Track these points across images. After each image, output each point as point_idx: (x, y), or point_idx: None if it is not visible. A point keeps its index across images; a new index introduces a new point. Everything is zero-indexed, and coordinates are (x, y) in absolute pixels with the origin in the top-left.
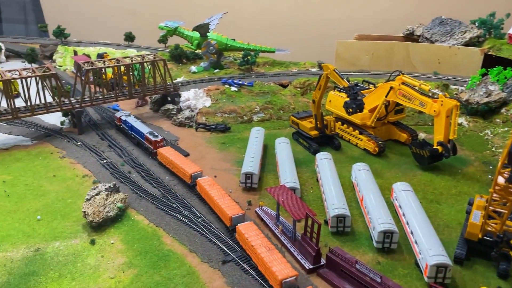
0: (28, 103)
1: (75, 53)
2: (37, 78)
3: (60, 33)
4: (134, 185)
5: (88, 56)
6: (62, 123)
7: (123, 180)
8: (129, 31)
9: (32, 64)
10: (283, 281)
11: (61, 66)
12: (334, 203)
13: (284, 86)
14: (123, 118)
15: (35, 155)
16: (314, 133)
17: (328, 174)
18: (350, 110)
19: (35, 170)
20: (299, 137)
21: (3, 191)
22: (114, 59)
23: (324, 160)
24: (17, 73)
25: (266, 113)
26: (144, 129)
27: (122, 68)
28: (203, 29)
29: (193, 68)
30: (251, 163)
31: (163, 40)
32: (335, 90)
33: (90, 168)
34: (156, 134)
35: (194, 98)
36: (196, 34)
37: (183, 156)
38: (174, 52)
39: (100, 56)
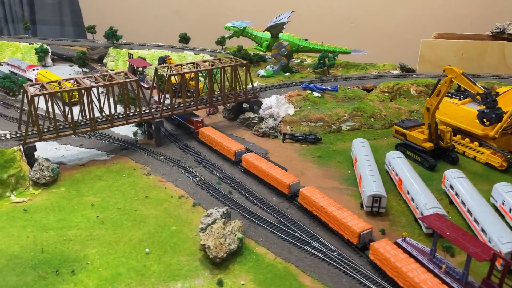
0: (89, 114)
1: (130, 56)
2: (116, 85)
3: (112, 35)
4: (242, 209)
5: (144, 59)
6: (135, 134)
7: (226, 202)
8: (184, 32)
9: (83, 68)
10: (361, 233)
11: (113, 70)
12: (502, 236)
13: (368, 90)
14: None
15: (117, 172)
16: (429, 145)
17: (474, 198)
18: (486, 121)
19: (123, 191)
20: (407, 150)
21: (95, 217)
22: (180, 64)
23: (460, 180)
24: (93, 79)
25: (355, 121)
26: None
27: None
28: (276, 29)
29: (261, 71)
30: (375, 182)
31: (222, 41)
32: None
33: (183, 188)
34: (197, 115)
35: (277, 106)
36: (266, 35)
37: (223, 134)
38: (237, 54)
39: (163, 59)
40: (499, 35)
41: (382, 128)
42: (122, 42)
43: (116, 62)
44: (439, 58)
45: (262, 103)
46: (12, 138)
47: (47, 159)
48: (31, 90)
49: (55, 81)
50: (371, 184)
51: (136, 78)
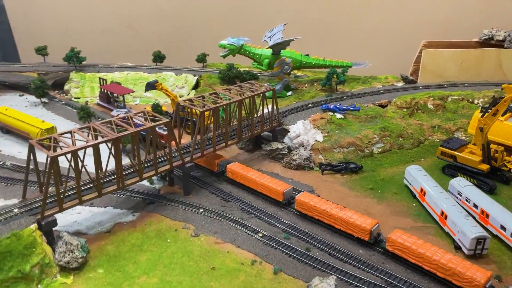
0: (117, 168)
1: (103, 81)
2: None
3: (75, 57)
4: (334, 269)
5: (119, 83)
6: (151, 181)
7: (310, 262)
8: (157, 50)
9: (41, 98)
10: (371, 230)
11: (79, 99)
12: None
13: (383, 106)
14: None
15: (157, 237)
16: (486, 167)
17: None
18: None
19: (179, 263)
20: (457, 172)
21: None
22: (202, 96)
23: None
24: (108, 124)
25: (385, 142)
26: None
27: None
28: (281, 46)
29: None
30: (469, 221)
31: (202, 59)
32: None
33: (249, 249)
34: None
35: (304, 133)
36: (266, 52)
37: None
38: (228, 73)
39: (152, 85)
40: (487, 41)
41: (412, 147)
42: (85, 64)
43: (82, 88)
44: (440, 67)
45: (288, 131)
46: (23, 212)
47: (71, 235)
48: (45, 148)
49: (68, 132)
50: (467, 225)
51: (167, 120)
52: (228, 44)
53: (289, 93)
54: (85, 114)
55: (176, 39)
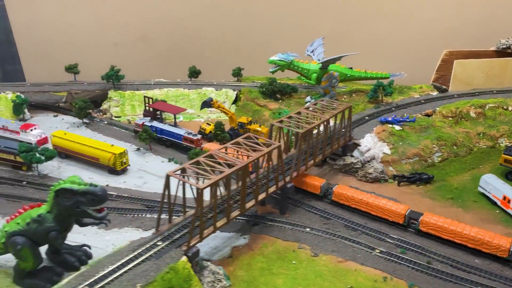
0: (242, 192)
1: (149, 99)
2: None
3: (115, 76)
4: (468, 281)
5: (165, 101)
6: None
7: (436, 274)
8: (193, 65)
9: (83, 119)
10: (405, 214)
11: (119, 117)
12: None
13: (428, 115)
14: (147, 123)
15: (280, 259)
16: None
17: None
18: None
19: (317, 284)
20: None
21: None
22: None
23: None
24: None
25: (442, 151)
26: (178, 130)
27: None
28: (331, 61)
29: (309, 99)
30: None
31: (238, 73)
32: None
33: (373, 265)
34: (194, 133)
35: (374, 146)
36: (314, 66)
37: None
38: (269, 87)
39: (208, 104)
40: (504, 50)
41: (466, 154)
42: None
43: (122, 107)
44: (469, 76)
45: (358, 145)
46: (168, 245)
47: (213, 263)
48: (191, 180)
49: (195, 162)
50: None
51: (278, 144)
52: (278, 60)
53: None
54: (147, 135)
55: (191, 51)
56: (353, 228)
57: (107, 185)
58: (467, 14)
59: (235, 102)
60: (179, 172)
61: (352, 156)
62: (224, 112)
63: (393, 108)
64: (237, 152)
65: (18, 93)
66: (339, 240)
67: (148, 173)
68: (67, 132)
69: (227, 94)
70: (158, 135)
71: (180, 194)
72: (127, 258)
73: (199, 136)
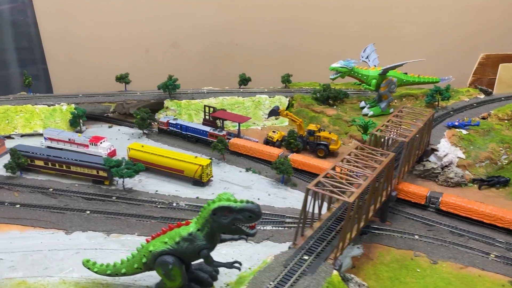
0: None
1: (210, 108)
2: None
3: (173, 86)
4: None
5: (224, 110)
6: None
7: None
8: (243, 72)
9: (144, 130)
10: (426, 195)
11: None
12: None
13: (484, 118)
14: (172, 121)
15: (402, 267)
16: None
17: None
18: None
19: None
20: None
21: None
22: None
23: None
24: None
25: (508, 153)
26: (203, 127)
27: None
28: (392, 67)
29: (366, 110)
30: None
31: (287, 80)
32: None
33: (493, 270)
34: (220, 129)
35: (450, 151)
36: (373, 73)
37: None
38: (324, 94)
39: (276, 112)
40: None
41: None
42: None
43: (179, 116)
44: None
45: (436, 150)
46: (315, 259)
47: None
48: (333, 192)
49: (326, 175)
50: None
51: (393, 154)
52: (340, 67)
53: (391, 110)
54: (223, 146)
55: (221, 58)
56: (459, 234)
57: (197, 197)
58: (500, 19)
59: (287, 109)
60: (318, 185)
61: (429, 161)
62: (292, 120)
63: (451, 112)
64: (357, 162)
65: (73, 104)
66: (452, 246)
67: (232, 183)
68: (144, 144)
69: (280, 101)
70: (183, 131)
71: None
72: (283, 274)
73: (224, 132)
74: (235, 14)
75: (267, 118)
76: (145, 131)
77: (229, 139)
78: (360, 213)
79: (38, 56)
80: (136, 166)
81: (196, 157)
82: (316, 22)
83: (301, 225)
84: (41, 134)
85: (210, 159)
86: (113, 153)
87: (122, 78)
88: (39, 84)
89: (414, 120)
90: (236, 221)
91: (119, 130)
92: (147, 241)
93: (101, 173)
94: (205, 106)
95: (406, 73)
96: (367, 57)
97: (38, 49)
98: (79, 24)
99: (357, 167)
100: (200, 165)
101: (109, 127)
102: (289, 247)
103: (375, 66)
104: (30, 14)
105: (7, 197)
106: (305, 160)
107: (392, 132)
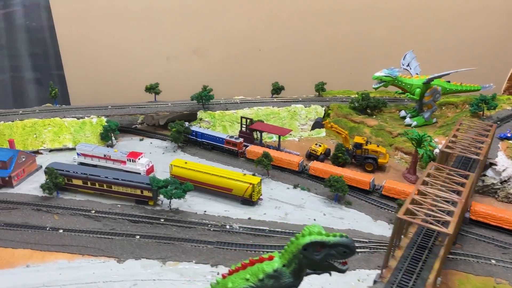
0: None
1: (247, 120)
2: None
3: (207, 97)
4: None
5: (262, 121)
6: None
7: None
8: (275, 81)
9: (179, 144)
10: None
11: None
12: None
13: None
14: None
15: None
16: None
17: None
18: None
19: None
20: None
21: None
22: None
23: None
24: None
25: None
26: (220, 134)
27: None
28: (438, 76)
29: (409, 120)
30: None
31: (322, 88)
32: None
33: None
34: (236, 136)
35: (508, 164)
36: (416, 81)
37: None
38: (363, 103)
39: (320, 124)
40: None
41: None
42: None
43: (213, 128)
44: None
45: (494, 165)
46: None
47: None
48: (428, 222)
49: (412, 200)
50: None
51: (472, 174)
52: (384, 76)
53: (434, 120)
54: (268, 161)
55: (245, 65)
56: None
57: (249, 218)
58: None
59: (323, 118)
60: (407, 213)
61: (487, 176)
62: (338, 132)
63: (498, 122)
64: (439, 185)
65: (103, 117)
66: None
67: (282, 202)
68: (188, 161)
69: (316, 110)
70: (198, 139)
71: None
72: None
73: (241, 140)
74: (259, 20)
75: (311, 130)
76: (179, 144)
77: (247, 146)
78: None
79: (54, 63)
80: (185, 186)
81: (244, 174)
82: (342, 28)
83: (389, 256)
84: (70, 149)
85: (260, 176)
86: (151, 169)
87: (152, 88)
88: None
89: (478, 134)
90: (329, 257)
91: (151, 143)
92: (224, 276)
93: (146, 193)
94: (242, 117)
95: (449, 81)
96: (408, 65)
97: (54, 55)
98: (98, 31)
99: (440, 190)
100: (250, 183)
101: (140, 140)
102: (376, 281)
103: (417, 74)
104: (46, 19)
105: (47, 220)
106: (326, 168)
107: (458, 148)
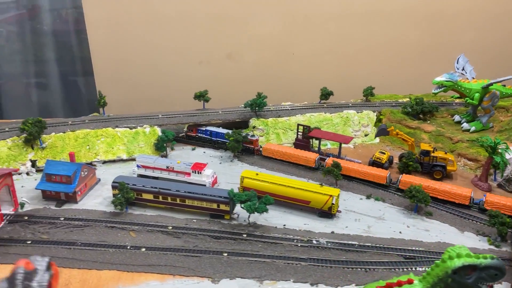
0: None
1: (304, 128)
2: None
3: (261, 104)
4: None
5: (319, 128)
6: (495, 243)
7: None
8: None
9: (236, 153)
10: (470, 196)
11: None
12: None
13: None
14: (200, 127)
15: None
16: None
17: None
18: None
19: None
20: None
21: None
22: None
23: None
24: None
25: None
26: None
27: None
28: (500, 81)
29: (466, 125)
30: None
31: (371, 92)
32: None
33: None
34: (252, 134)
35: None
36: (475, 86)
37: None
38: (418, 108)
39: (385, 131)
40: None
41: None
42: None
43: (267, 136)
44: None
45: None
46: None
47: None
48: None
49: None
50: None
51: None
52: (445, 80)
53: (491, 125)
54: (338, 170)
55: (278, 69)
56: None
57: (332, 232)
58: None
59: (375, 124)
60: None
61: None
62: (404, 140)
63: None
64: None
65: (156, 126)
66: None
67: (360, 214)
68: (259, 172)
69: (368, 116)
70: (213, 138)
71: None
72: None
73: (257, 137)
74: (293, 23)
75: (375, 137)
76: (235, 154)
77: (261, 146)
78: None
79: (80, 68)
80: (266, 200)
81: (321, 185)
82: (378, 30)
83: None
84: (124, 160)
85: (336, 187)
86: (215, 181)
87: (202, 96)
88: (82, 97)
89: None
90: (480, 280)
91: (204, 152)
92: None
93: (223, 206)
94: (298, 125)
95: (504, 85)
96: (462, 69)
97: (83, 61)
98: (130, 35)
99: None
100: (330, 195)
101: (193, 149)
102: None
103: (473, 78)
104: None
105: (125, 238)
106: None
107: None
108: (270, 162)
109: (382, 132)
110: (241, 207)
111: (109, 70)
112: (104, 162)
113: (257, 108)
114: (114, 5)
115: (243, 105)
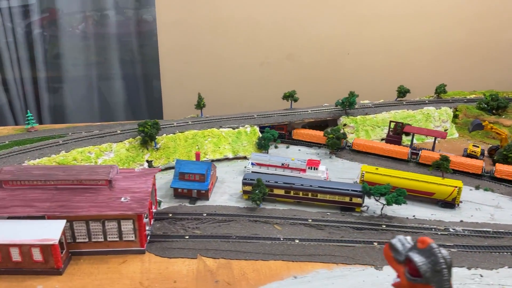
0: None
1: (396, 124)
2: None
3: (353, 102)
4: None
5: (409, 125)
6: None
7: None
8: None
9: (333, 149)
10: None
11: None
12: None
13: None
14: None
15: None
16: None
17: None
18: None
19: None
20: None
21: None
22: None
23: None
24: None
25: None
26: None
27: None
28: None
29: None
30: None
31: (443, 90)
32: None
33: None
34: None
35: None
36: None
37: None
38: (492, 103)
39: (480, 125)
40: None
41: None
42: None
43: (357, 133)
44: None
45: None
46: None
47: None
48: None
49: None
50: None
51: None
52: None
53: None
54: (448, 163)
55: (336, 70)
56: None
57: (461, 221)
58: None
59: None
60: None
61: None
62: (497, 133)
63: None
64: None
65: (256, 126)
66: None
67: (478, 203)
68: (379, 167)
69: (446, 112)
70: None
71: None
72: None
73: (287, 122)
74: (351, 22)
75: (470, 132)
76: (333, 150)
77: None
78: None
79: (145, 71)
80: (400, 192)
81: (443, 178)
82: (434, 31)
83: None
84: (229, 159)
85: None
86: (327, 176)
87: (291, 96)
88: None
89: None
90: None
91: (299, 150)
92: None
93: (355, 200)
94: (390, 121)
95: None
96: None
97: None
98: (197, 39)
99: None
100: (455, 186)
101: (287, 147)
102: None
103: None
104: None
105: (272, 231)
106: (368, 143)
107: None
108: (367, 157)
109: (477, 127)
110: (376, 199)
111: (175, 73)
112: (212, 161)
113: (349, 107)
114: (184, 10)
115: (333, 104)
